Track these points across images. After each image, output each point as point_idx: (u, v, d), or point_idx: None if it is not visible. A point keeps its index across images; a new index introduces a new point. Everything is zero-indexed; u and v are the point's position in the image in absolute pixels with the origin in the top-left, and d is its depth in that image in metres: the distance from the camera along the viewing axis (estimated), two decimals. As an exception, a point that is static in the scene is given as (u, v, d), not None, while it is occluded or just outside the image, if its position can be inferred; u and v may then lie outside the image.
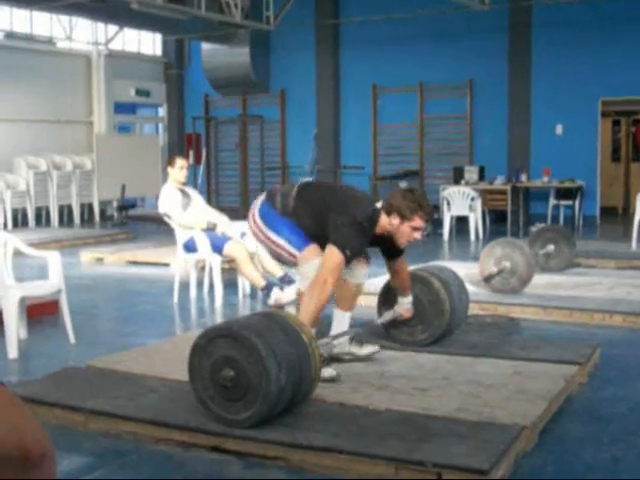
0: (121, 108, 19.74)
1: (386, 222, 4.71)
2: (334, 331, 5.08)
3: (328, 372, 4.65)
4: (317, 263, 4.58)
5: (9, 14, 16.99)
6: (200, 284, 8.32)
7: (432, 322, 5.43)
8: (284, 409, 3.96)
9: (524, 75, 16.38)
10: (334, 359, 5.07)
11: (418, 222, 4.68)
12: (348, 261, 4.57)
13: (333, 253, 4.49)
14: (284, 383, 3.80)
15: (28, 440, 1.21)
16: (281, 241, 4.73)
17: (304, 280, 4.69)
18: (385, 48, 17.37)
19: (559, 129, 16.33)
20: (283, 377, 3.79)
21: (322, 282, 4.44)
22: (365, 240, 4.66)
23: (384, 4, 16.54)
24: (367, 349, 5.12)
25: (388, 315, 5.31)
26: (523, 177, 15.28)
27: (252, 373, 3.80)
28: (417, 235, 4.73)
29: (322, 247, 4.68)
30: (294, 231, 4.72)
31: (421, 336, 5.44)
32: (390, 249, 4.95)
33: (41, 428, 1.25)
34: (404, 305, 5.23)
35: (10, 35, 17.10)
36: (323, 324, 5.10)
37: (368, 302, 6.38)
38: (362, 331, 5.12)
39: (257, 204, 4.88)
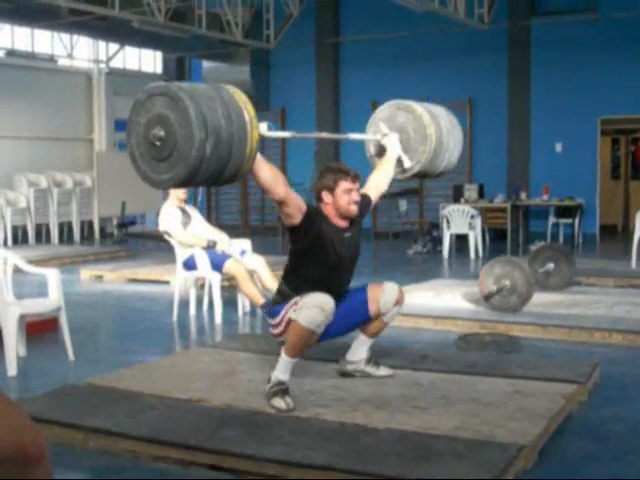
0: (122, 125, 19.73)
1: (327, 207, 4.76)
2: (351, 354, 5.13)
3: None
4: (321, 296, 4.47)
5: (10, 32, 17.06)
6: (200, 302, 8.32)
7: (417, 149, 5.34)
8: (210, 181, 3.96)
9: (523, 93, 16.45)
10: (346, 375, 5.10)
11: (345, 184, 4.74)
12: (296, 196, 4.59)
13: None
14: (209, 153, 3.76)
15: (27, 441, 1.23)
16: (295, 307, 4.58)
17: (303, 309, 4.46)
18: (385, 66, 17.44)
19: (558, 147, 16.38)
20: (209, 147, 3.75)
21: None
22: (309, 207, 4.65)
23: (385, 22, 16.62)
24: (383, 371, 5.15)
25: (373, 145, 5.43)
26: (523, 195, 15.30)
27: (180, 136, 3.78)
28: (354, 195, 4.75)
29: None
30: None
31: (408, 165, 5.36)
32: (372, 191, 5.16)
33: (38, 430, 1.26)
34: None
35: (11, 53, 17.18)
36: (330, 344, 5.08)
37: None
38: None
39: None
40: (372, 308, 4.92)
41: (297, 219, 4.55)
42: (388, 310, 4.92)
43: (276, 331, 4.72)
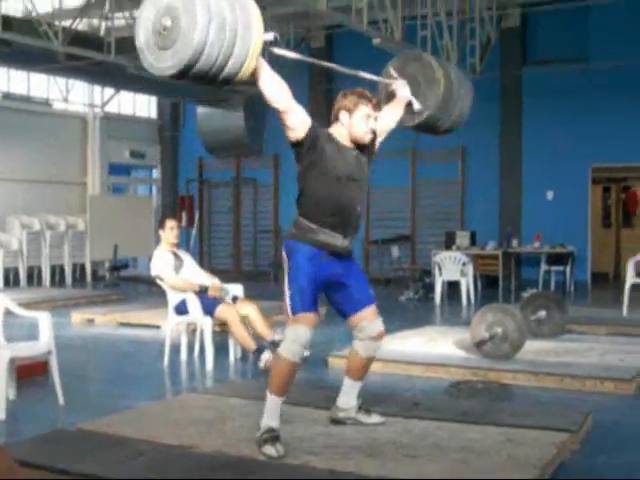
0: (115, 169, 19.87)
1: (340, 128, 4.77)
2: (341, 400, 5.09)
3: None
4: (302, 331, 4.54)
5: (7, 75, 17.19)
6: (191, 347, 8.29)
7: (427, 94, 5.47)
8: (213, 71, 3.98)
9: (515, 141, 16.58)
10: (337, 422, 5.07)
11: (365, 109, 4.73)
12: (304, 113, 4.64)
13: None
14: (212, 37, 3.83)
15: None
16: (287, 293, 4.65)
17: (285, 343, 4.59)
18: (378, 114, 17.55)
19: (550, 195, 16.48)
20: (212, 32, 3.83)
21: None
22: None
23: (378, 71, 16.73)
24: (374, 419, 5.11)
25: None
26: (514, 242, 15.37)
27: (184, 21, 3.85)
28: (372, 123, 4.77)
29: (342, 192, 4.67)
30: (304, 291, 4.62)
31: (417, 107, 5.46)
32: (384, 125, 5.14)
33: (26, 475, 1.28)
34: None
35: (7, 96, 17.29)
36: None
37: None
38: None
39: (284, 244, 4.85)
40: (352, 319, 4.91)
41: (302, 132, 4.59)
42: (362, 335, 4.91)
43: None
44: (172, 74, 3.98)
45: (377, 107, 4.86)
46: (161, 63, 4.01)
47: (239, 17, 3.96)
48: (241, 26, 3.96)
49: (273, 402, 4.61)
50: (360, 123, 4.73)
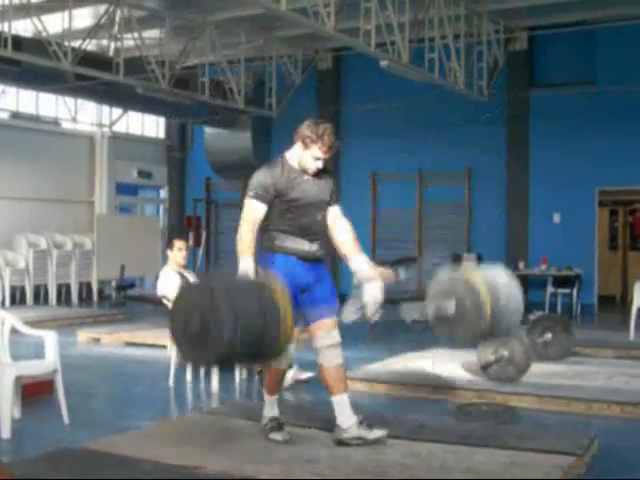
0: (123, 189, 19.92)
1: (295, 151, 5.11)
2: (340, 420, 5.10)
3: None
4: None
5: (16, 95, 17.28)
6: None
7: (471, 324, 5.64)
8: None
9: (522, 164, 16.58)
10: (341, 443, 5.06)
11: (316, 152, 5.03)
12: (263, 200, 5.00)
13: (245, 203, 5.05)
14: (239, 342, 4.19)
15: None
16: None
17: None
18: (385, 136, 17.59)
19: (557, 218, 16.45)
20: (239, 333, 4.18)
21: (240, 227, 4.96)
22: (267, 179, 5.04)
23: (385, 92, 16.80)
24: (376, 433, 5.11)
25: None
26: (521, 265, 15.34)
27: (212, 327, 4.24)
28: (318, 164, 5.07)
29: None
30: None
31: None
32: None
33: None
34: (368, 287, 5.14)
35: (16, 115, 17.38)
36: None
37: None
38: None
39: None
40: (312, 328, 5.15)
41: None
42: (317, 345, 5.12)
43: None
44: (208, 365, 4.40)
45: (329, 151, 5.06)
46: (194, 352, 4.52)
47: (269, 323, 4.32)
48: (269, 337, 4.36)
49: (270, 399, 5.31)
50: (308, 160, 5.08)
